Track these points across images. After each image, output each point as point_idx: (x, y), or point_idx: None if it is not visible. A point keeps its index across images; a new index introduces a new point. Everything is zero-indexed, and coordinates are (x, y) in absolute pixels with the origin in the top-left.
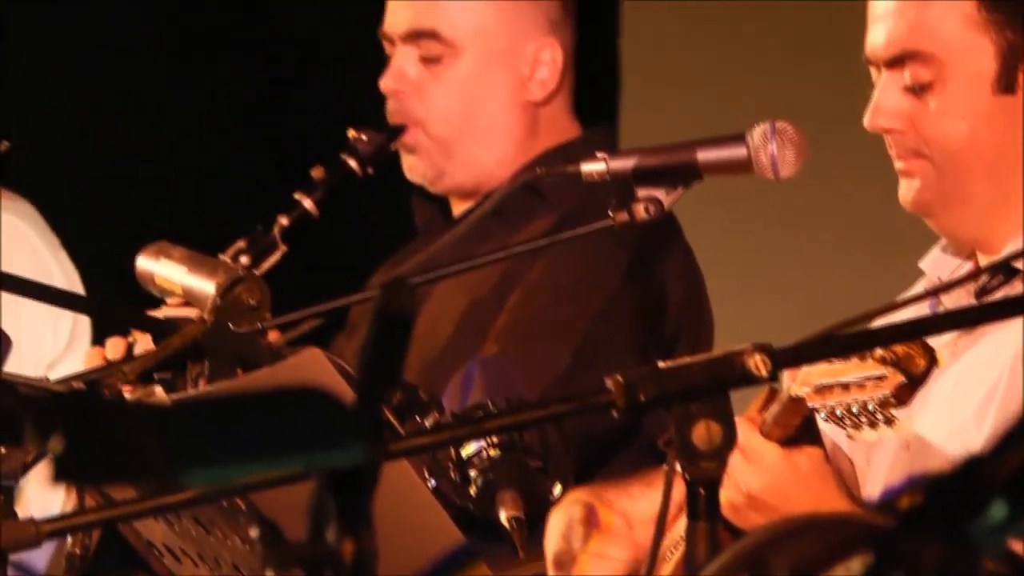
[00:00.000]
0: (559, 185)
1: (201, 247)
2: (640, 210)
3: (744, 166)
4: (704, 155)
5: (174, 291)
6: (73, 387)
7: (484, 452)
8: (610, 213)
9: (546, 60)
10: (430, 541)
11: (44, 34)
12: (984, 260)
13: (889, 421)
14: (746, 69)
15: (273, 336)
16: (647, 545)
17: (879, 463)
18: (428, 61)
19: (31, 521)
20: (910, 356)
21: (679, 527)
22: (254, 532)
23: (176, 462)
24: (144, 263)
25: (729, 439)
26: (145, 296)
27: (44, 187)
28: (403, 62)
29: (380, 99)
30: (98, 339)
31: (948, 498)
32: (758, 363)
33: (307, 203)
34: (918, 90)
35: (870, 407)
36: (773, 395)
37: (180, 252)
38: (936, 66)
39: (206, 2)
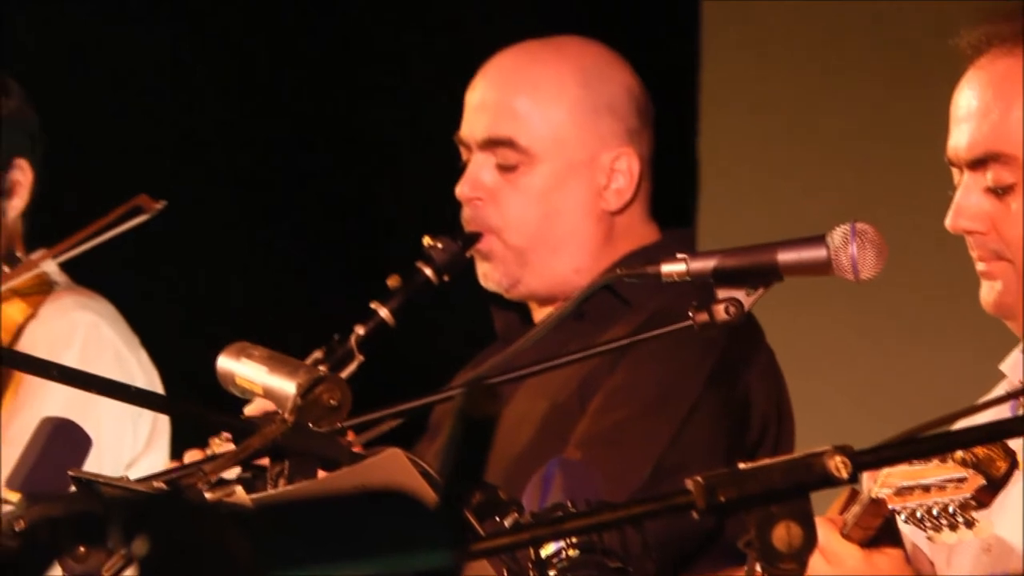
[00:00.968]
0: (641, 289)
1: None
2: (720, 311)
3: (824, 267)
4: (784, 256)
5: (255, 391)
6: (155, 487)
7: (563, 553)
8: (690, 314)
9: (622, 169)
10: None
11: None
12: None
13: (970, 523)
14: (825, 170)
15: (353, 437)
16: None
17: (960, 565)
18: (504, 169)
19: None
20: (991, 458)
21: None
22: None
23: (259, 563)
24: (225, 363)
25: (810, 540)
26: (225, 395)
27: (124, 286)
28: (479, 169)
29: (456, 206)
30: (177, 437)
31: None
32: (839, 465)
33: (383, 312)
34: (1000, 192)
35: (951, 509)
36: (854, 496)
37: (261, 352)
38: (1018, 168)
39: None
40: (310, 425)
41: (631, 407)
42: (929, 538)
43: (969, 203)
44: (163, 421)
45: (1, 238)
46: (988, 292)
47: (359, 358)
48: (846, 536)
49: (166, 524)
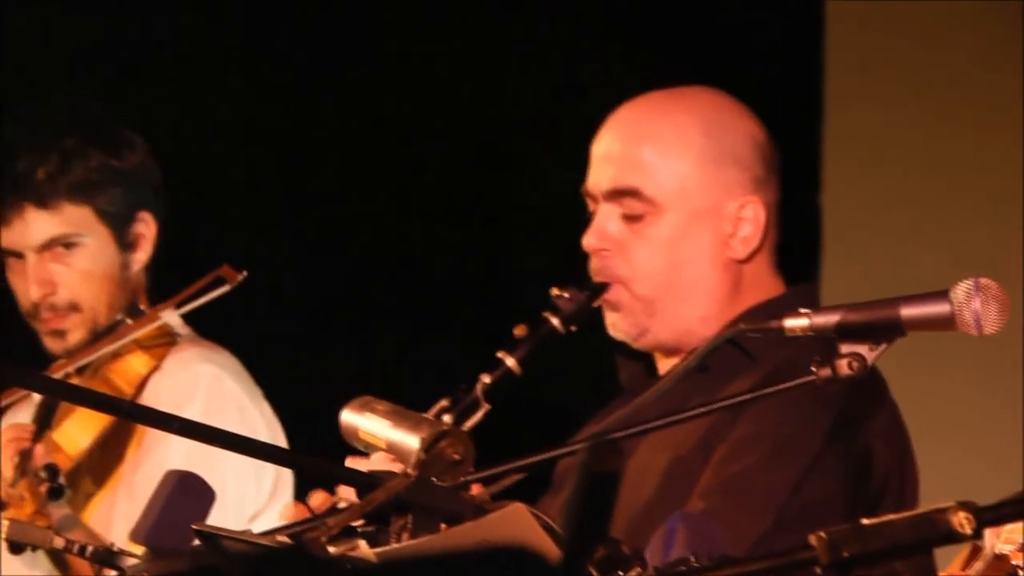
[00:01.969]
0: (764, 343)
1: (412, 399)
2: (844, 366)
3: (948, 323)
4: (907, 311)
5: (378, 445)
6: (278, 541)
7: None
8: (813, 369)
9: (749, 218)
10: None
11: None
12: None
13: None
14: (948, 224)
15: (476, 490)
16: None
17: None
18: (630, 219)
19: None
20: None
21: None
22: None
23: None
24: (349, 417)
25: None
26: (347, 448)
27: (249, 339)
28: (606, 220)
29: (582, 257)
30: (301, 490)
31: None
32: (962, 521)
33: (510, 361)
34: None
35: None
36: (976, 552)
37: (384, 406)
38: None
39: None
40: (433, 479)
41: (753, 458)
42: None
43: None
44: (286, 473)
45: (125, 291)
46: None
47: (485, 406)
48: None
49: None
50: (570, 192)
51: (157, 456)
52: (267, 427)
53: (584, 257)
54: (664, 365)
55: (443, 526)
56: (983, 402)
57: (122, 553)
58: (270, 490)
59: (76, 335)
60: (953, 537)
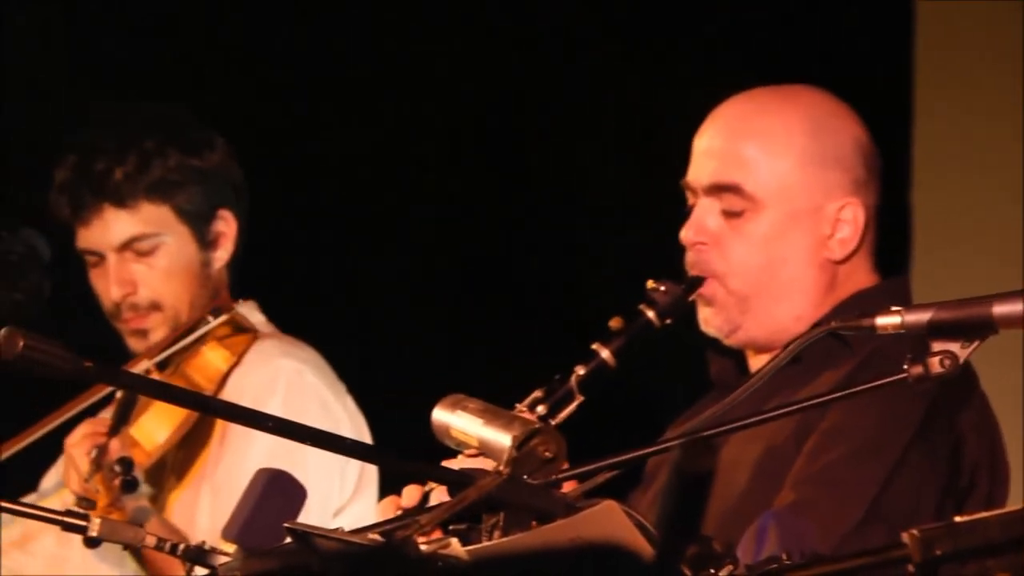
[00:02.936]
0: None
1: (501, 394)
2: (935, 364)
3: None
4: (1000, 309)
5: (470, 443)
6: (370, 539)
7: None
8: (905, 367)
9: (848, 219)
10: None
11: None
12: None
13: None
14: None
15: (568, 487)
16: None
17: None
18: (729, 215)
19: None
20: None
21: None
22: None
23: None
24: (440, 415)
25: None
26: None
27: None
28: (704, 214)
29: (679, 250)
30: (385, 485)
31: None
32: None
33: (605, 353)
34: None
35: None
36: None
37: (476, 404)
38: None
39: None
40: (525, 477)
41: (844, 449)
42: None
43: None
44: (371, 468)
45: (207, 289)
46: None
47: (579, 398)
48: None
49: None
50: (667, 185)
51: (240, 451)
52: (351, 421)
53: (682, 250)
54: (755, 362)
55: (535, 524)
56: None
57: (213, 551)
58: (354, 485)
59: (158, 334)
60: None
